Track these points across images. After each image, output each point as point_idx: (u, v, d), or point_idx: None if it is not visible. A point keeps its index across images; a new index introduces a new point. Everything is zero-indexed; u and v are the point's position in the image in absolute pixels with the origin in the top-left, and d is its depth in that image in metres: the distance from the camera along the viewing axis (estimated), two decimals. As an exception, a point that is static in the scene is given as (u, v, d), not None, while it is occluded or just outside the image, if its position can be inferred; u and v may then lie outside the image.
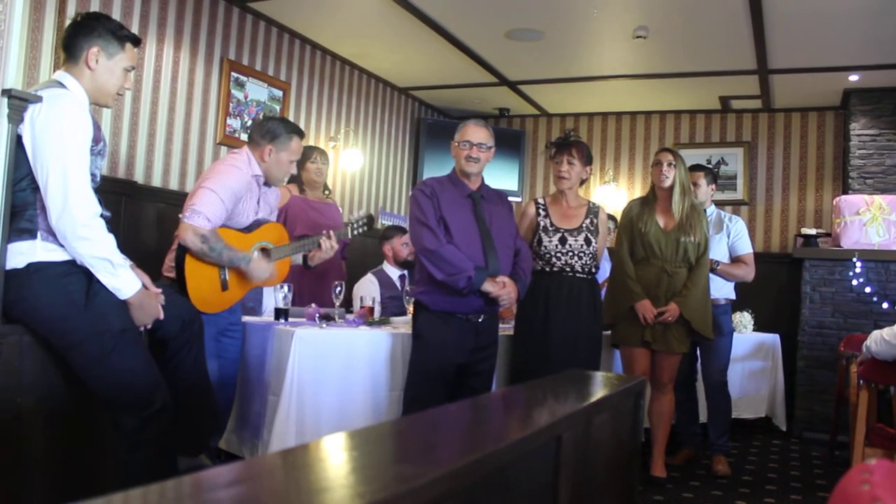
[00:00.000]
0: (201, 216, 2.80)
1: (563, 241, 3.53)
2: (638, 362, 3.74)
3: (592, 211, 3.66)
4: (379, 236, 4.84)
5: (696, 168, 4.37)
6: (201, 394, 2.62)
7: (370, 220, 3.68)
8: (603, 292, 3.85)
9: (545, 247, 3.53)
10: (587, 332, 3.54)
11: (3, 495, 2.12)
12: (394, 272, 4.53)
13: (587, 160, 3.61)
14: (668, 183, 3.79)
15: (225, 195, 2.87)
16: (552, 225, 3.56)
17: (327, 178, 4.67)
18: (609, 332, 3.85)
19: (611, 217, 5.38)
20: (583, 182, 3.68)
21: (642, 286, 3.73)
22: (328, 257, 3.33)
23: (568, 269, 3.52)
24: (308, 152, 4.30)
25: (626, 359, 3.80)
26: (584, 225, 3.59)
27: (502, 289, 3.12)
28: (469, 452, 1.09)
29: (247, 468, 0.95)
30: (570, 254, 3.52)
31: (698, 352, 4.22)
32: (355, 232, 3.60)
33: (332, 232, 3.32)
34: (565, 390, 2.03)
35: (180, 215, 2.87)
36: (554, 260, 3.52)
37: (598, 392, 2.03)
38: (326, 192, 4.55)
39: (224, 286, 2.95)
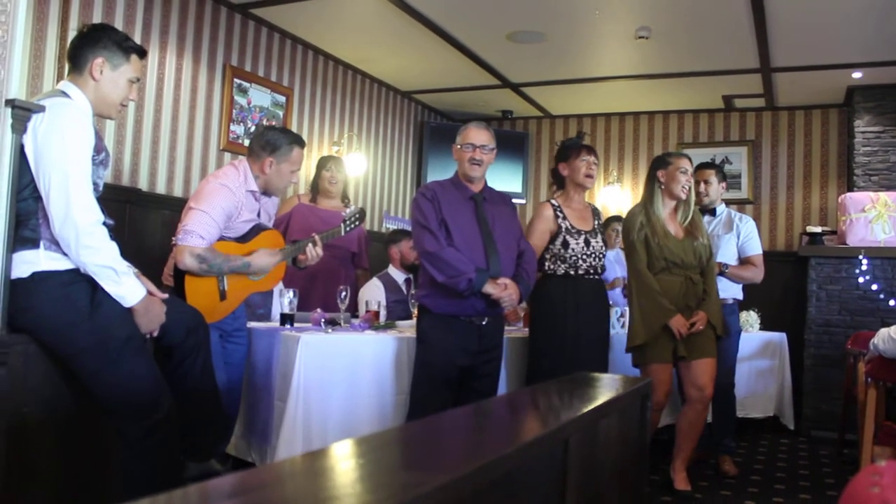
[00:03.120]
0: (194, 235, 2.81)
1: (587, 243, 3.51)
2: (665, 377, 3.53)
3: (596, 213, 3.67)
4: (385, 240, 4.84)
5: (706, 166, 4.35)
6: (210, 401, 2.62)
7: (361, 213, 3.65)
8: (610, 294, 3.78)
9: (572, 249, 3.47)
10: (606, 334, 3.57)
11: (9, 503, 2.13)
12: (399, 276, 4.53)
13: None
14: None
15: (216, 215, 2.87)
16: (573, 227, 3.52)
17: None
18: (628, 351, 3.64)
19: (617, 218, 5.36)
20: None
21: (669, 299, 3.51)
22: (313, 263, 3.31)
23: (592, 272, 3.50)
24: (323, 161, 4.47)
25: (654, 375, 3.46)
26: (595, 227, 3.59)
27: (503, 290, 3.09)
28: (475, 458, 1.08)
29: (252, 477, 0.94)
30: (594, 256, 3.51)
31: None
32: (349, 228, 3.57)
33: (317, 237, 3.27)
34: (571, 393, 2.03)
35: (174, 238, 2.87)
36: (580, 262, 3.48)
37: (605, 394, 2.02)
38: (346, 202, 4.47)
39: (223, 296, 2.95)
